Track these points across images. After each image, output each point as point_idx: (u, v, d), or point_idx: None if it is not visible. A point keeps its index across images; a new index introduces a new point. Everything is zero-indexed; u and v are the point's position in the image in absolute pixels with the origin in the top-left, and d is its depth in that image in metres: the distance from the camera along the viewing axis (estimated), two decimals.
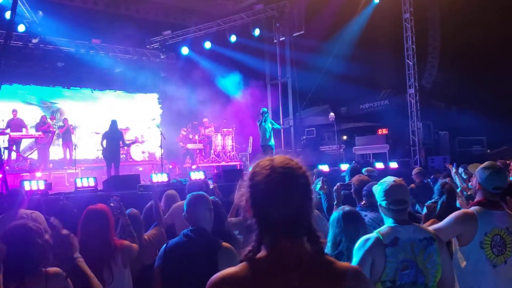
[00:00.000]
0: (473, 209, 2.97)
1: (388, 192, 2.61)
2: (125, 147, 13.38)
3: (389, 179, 2.69)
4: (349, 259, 2.67)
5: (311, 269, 1.37)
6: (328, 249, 2.85)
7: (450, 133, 15.93)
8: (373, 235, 2.55)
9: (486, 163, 3.13)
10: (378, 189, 2.70)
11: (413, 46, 14.44)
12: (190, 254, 2.69)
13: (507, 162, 8.16)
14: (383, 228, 2.59)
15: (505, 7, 16.32)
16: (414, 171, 7.77)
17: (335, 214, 3.01)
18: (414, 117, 14.46)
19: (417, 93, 14.49)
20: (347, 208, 3.05)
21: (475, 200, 3.09)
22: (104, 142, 11.20)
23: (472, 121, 16.24)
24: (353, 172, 5.56)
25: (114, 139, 11.25)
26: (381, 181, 2.74)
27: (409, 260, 2.47)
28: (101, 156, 14.59)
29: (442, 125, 15.99)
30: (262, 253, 1.41)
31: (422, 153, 14.35)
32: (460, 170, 6.28)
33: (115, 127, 11.42)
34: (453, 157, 14.05)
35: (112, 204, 3.64)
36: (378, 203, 2.68)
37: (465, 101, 17.79)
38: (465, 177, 6.47)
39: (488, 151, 16.56)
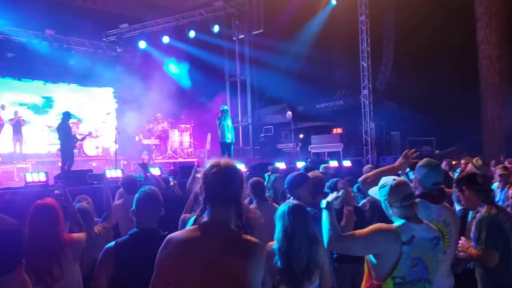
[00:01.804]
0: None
1: (397, 191, 2.61)
2: (78, 142, 13.04)
3: (389, 179, 2.69)
4: (305, 252, 2.76)
5: (228, 237, 2.01)
6: (278, 239, 2.89)
7: (402, 133, 16.44)
8: (393, 228, 2.56)
9: (423, 161, 3.27)
10: (383, 192, 2.68)
11: (368, 48, 14.82)
12: (143, 255, 2.68)
13: (452, 162, 8.65)
14: (399, 224, 2.58)
15: (457, 13, 17.08)
16: (365, 168, 8.02)
17: (282, 207, 3.02)
18: (367, 117, 14.85)
19: (371, 94, 14.89)
20: (293, 201, 3.08)
21: (415, 194, 3.19)
22: (59, 135, 10.77)
23: (422, 122, 16.87)
24: (308, 170, 5.72)
25: (67, 133, 10.84)
26: (380, 184, 2.72)
27: (419, 257, 2.53)
28: (53, 151, 14.21)
29: (394, 125, 16.46)
30: (205, 220, 2.06)
31: (374, 152, 14.77)
32: (407, 169, 6.57)
33: (66, 119, 10.95)
34: None
35: (57, 192, 3.56)
36: (387, 205, 2.67)
37: (416, 102, 18.42)
38: (411, 177, 6.78)
39: (437, 151, 17.21)
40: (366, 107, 14.87)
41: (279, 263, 2.88)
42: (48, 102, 15.99)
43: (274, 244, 2.93)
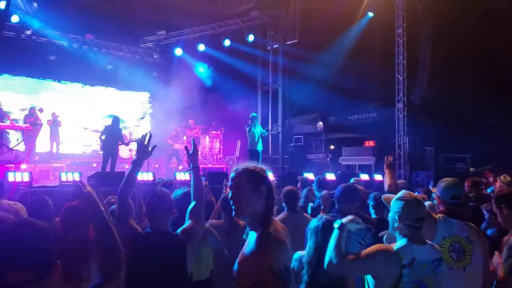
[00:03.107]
0: (436, 216, 3.12)
1: (412, 209, 2.57)
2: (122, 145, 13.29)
3: (407, 195, 2.63)
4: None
5: None
6: (309, 254, 2.81)
7: (436, 149, 16.07)
8: (393, 250, 2.52)
9: (442, 179, 3.32)
10: (397, 204, 2.64)
11: (404, 62, 14.63)
12: (152, 257, 2.74)
13: (480, 179, 8.29)
14: (400, 245, 2.55)
15: (497, 27, 16.64)
16: (398, 184, 7.82)
17: (315, 222, 2.95)
18: (401, 131, 14.62)
19: (405, 107, 14.66)
20: (326, 217, 2.99)
21: (437, 210, 3.26)
22: (103, 136, 11.07)
23: (457, 139, 16.43)
24: (321, 183, 5.66)
25: (114, 136, 11.12)
26: (398, 196, 2.67)
27: (420, 280, 2.48)
28: (87, 152, 14.57)
29: (428, 140, 16.11)
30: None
31: (407, 167, 14.49)
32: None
33: (116, 123, 11.33)
34: (437, 173, 14.21)
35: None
36: (396, 218, 2.62)
37: (451, 118, 18.00)
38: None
39: (472, 169, 16.72)
40: (400, 121, 14.64)
41: (306, 276, 2.85)
42: (86, 104, 16.42)
43: (303, 255, 2.88)
